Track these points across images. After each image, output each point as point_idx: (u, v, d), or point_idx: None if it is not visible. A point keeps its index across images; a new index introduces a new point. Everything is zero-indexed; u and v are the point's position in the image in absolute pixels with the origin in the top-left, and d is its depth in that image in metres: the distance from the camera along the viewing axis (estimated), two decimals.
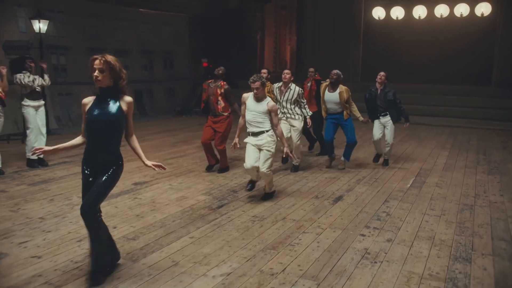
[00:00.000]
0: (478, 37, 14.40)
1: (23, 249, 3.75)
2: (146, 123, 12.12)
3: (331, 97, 6.60)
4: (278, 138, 5.16)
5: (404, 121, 7.09)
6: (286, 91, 6.46)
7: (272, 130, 5.10)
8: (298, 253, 3.74)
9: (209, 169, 6.69)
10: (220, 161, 6.69)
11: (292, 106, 6.51)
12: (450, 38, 14.59)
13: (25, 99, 6.66)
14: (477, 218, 4.68)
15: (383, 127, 6.93)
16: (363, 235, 4.17)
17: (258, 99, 5.01)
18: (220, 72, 6.47)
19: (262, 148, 5.04)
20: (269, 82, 6.83)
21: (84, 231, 4.07)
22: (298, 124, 6.55)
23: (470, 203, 5.23)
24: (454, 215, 4.78)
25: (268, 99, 5.03)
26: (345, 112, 6.63)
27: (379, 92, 6.80)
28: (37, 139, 6.80)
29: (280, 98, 6.50)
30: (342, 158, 6.92)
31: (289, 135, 6.52)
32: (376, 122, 6.96)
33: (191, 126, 11.85)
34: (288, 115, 6.55)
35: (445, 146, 9.18)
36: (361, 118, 6.76)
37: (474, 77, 14.65)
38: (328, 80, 6.67)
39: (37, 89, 6.74)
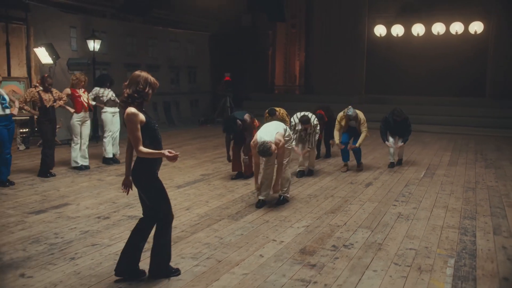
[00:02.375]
0: (472, 53, 15.94)
1: None
2: (177, 132, 13.54)
3: (351, 125, 7.62)
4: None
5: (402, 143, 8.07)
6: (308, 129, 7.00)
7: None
8: (351, 215, 5.17)
9: (238, 177, 7.06)
10: (244, 168, 7.02)
11: (311, 136, 7.09)
12: (447, 54, 16.06)
13: (105, 107, 8.08)
14: (478, 195, 6.13)
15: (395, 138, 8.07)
16: (394, 205, 5.61)
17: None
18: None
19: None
20: (280, 110, 7.50)
21: (186, 203, 5.47)
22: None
23: (472, 186, 6.68)
24: (460, 194, 6.23)
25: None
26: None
27: (398, 121, 7.79)
28: (110, 141, 8.19)
29: (304, 136, 7.07)
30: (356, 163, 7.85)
31: (307, 149, 7.13)
32: (390, 139, 8.04)
33: (220, 133, 13.23)
34: (306, 144, 7.16)
35: (447, 148, 10.66)
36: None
37: (469, 89, 16.19)
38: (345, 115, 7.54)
39: (112, 98, 8.16)
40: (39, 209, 5.27)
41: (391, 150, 8.09)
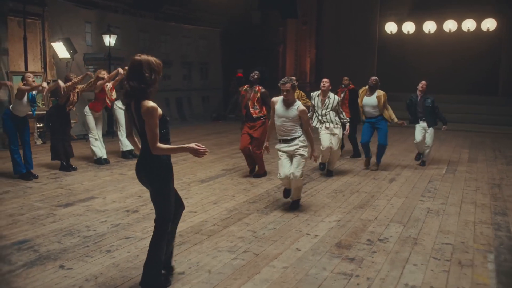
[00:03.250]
0: (485, 51, 15.72)
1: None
2: (191, 127, 13.52)
3: (369, 101, 7.22)
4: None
5: (442, 124, 7.70)
6: (325, 100, 6.58)
7: (303, 136, 5.01)
8: (380, 209, 5.13)
9: (252, 172, 6.89)
10: (257, 166, 6.82)
11: (333, 115, 6.62)
12: (459, 51, 15.87)
13: (118, 102, 8.04)
14: (505, 192, 6.07)
15: (423, 131, 7.59)
16: (422, 200, 5.56)
17: (288, 103, 4.80)
18: (255, 77, 6.54)
19: (295, 153, 4.93)
20: (298, 90, 6.72)
21: (215, 197, 5.44)
22: (339, 131, 6.65)
23: (497, 183, 6.62)
24: (487, 190, 6.18)
25: (298, 103, 4.82)
26: (385, 114, 7.23)
27: (419, 99, 7.57)
28: (124, 135, 8.17)
29: (321, 107, 6.62)
30: (375, 161, 7.53)
31: (330, 145, 6.58)
32: (417, 126, 7.65)
33: (233, 129, 13.20)
34: (328, 124, 6.63)
35: (463, 145, 10.59)
36: (396, 120, 7.31)
37: (481, 87, 16.03)
38: (367, 86, 7.34)
39: None
40: (66, 202, 5.26)
41: (417, 138, 7.65)
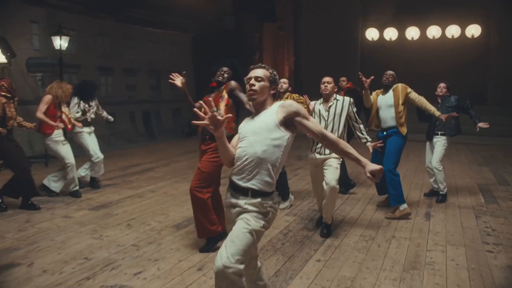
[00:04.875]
0: (472, 58, 14.77)
1: (144, 280, 3.34)
2: (160, 146, 11.68)
3: (384, 100, 5.16)
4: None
5: (475, 123, 5.61)
6: (330, 105, 4.52)
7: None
8: (443, 271, 3.51)
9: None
10: (197, 226, 3.98)
11: (341, 126, 4.46)
12: (444, 59, 14.78)
13: (80, 127, 6.21)
14: None
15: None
16: (490, 251, 3.98)
17: (258, 107, 2.49)
18: (226, 75, 4.08)
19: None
20: (288, 93, 5.45)
21: (197, 258, 3.73)
22: (335, 162, 4.32)
23: None
24: None
25: (277, 103, 2.48)
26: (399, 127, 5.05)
27: (439, 105, 5.76)
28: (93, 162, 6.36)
29: (326, 118, 4.50)
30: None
31: (325, 184, 4.25)
32: (427, 144, 5.98)
33: None
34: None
35: (476, 162, 9.21)
36: (438, 114, 5.30)
37: (469, 96, 14.90)
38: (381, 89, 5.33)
39: (88, 120, 6.34)
40: None
41: (427, 162, 5.92)
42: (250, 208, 2.31)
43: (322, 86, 4.55)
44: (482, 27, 14.89)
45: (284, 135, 2.35)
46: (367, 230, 4.58)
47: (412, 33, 15.77)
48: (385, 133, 5.16)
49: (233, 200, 2.38)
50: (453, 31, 15.18)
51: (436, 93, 5.95)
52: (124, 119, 12.62)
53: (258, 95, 2.41)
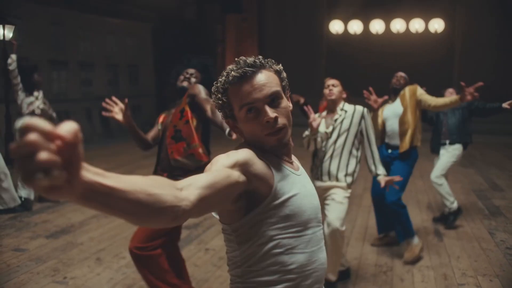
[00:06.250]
0: (437, 54, 14.52)
1: None
2: (120, 147, 10.63)
3: (392, 109, 4.18)
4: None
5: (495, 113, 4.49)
6: (336, 118, 3.32)
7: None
8: None
9: None
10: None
11: (346, 153, 3.25)
12: (409, 54, 14.36)
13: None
14: None
15: None
16: None
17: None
18: (193, 79, 2.96)
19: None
20: None
21: None
22: (342, 193, 3.20)
23: None
24: None
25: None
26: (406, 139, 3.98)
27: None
28: None
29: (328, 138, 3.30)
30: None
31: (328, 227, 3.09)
32: (436, 160, 5.13)
33: None
34: (325, 177, 3.26)
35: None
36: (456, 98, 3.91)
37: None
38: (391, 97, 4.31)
39: (36, 112, 5.38)
40: None
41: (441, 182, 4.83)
42: None
43: (326, 91, 3.39)
44: (446, 22, 14.71)
45: None
46: (380, 258, 4.00)
47: (377, 26, 15.42)
48: (390, 151, 4.18)
49: None
50: (416, 25, 14.96)
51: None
52: (80, 118, 11.47)
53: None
